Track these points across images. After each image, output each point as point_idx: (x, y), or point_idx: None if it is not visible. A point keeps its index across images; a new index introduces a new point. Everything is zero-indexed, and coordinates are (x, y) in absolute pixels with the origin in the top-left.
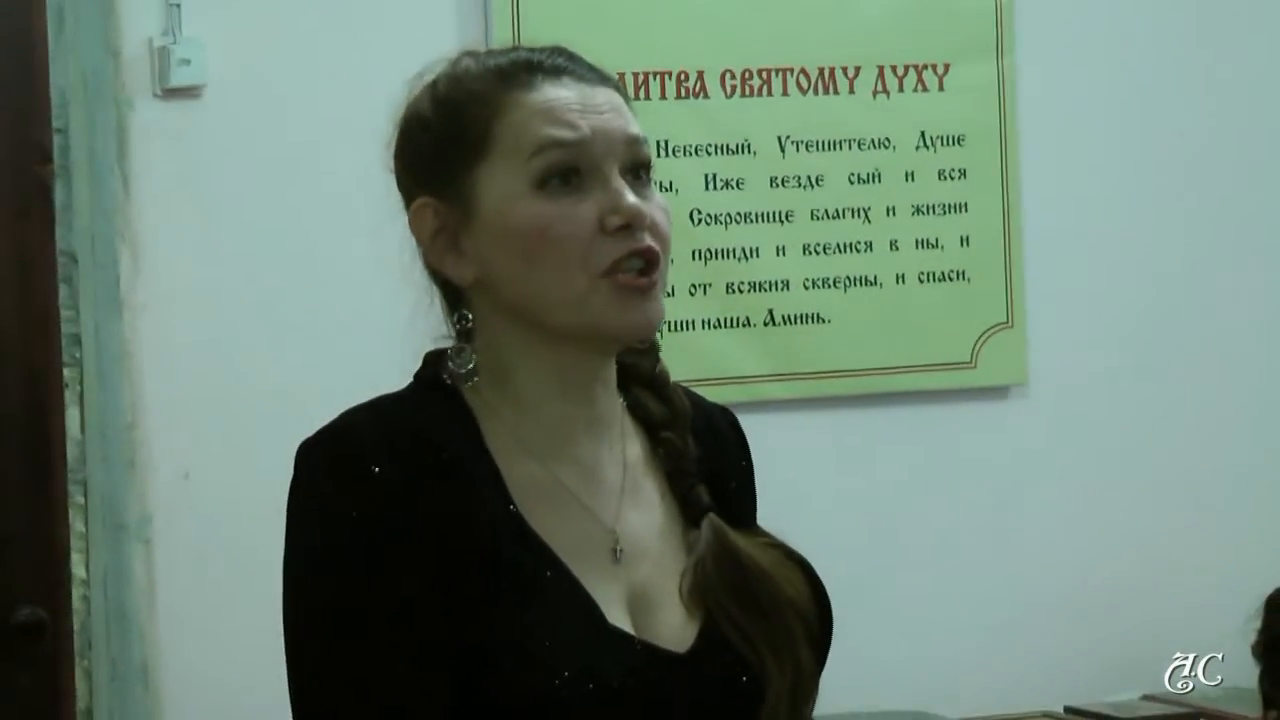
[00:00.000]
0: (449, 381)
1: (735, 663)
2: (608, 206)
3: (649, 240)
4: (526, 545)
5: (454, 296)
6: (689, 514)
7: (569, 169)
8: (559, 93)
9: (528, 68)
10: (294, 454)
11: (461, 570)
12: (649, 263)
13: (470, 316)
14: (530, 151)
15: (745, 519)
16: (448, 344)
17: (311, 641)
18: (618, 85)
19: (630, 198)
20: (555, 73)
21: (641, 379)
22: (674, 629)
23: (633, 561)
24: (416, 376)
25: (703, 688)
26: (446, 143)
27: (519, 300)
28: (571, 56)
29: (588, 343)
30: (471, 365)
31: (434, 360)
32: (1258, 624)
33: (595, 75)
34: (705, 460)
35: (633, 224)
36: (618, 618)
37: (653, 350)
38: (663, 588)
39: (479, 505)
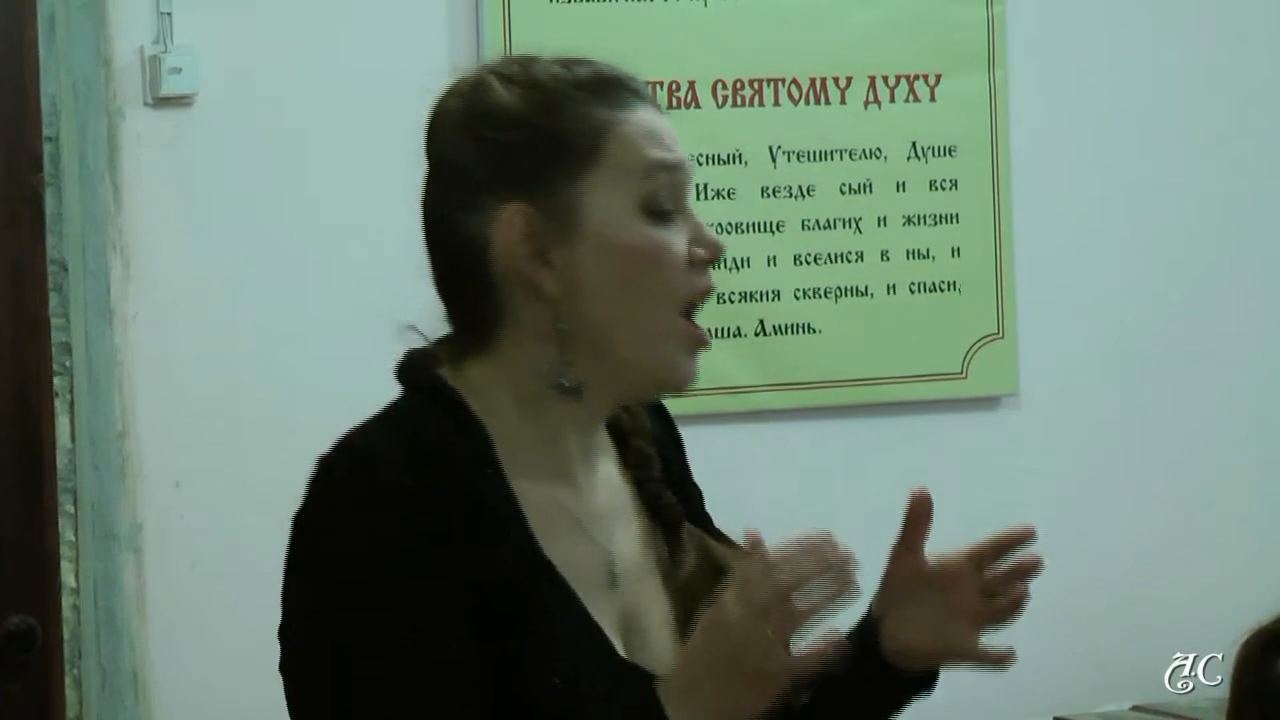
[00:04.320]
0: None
1: None
2: (695, 238)
3: (714, 282)
4: (539, 572)
5: (485, 301)
6: (660, 519)
7: (669, 197)
8: (651, 116)
9: (618, 84)
10: (301, 465)
11: (479, 593)
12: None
13: (568, 326)
14: (642, 173)
15: (686, 499)
16: (421, 342)
17: (344, 655)
18: None
19: (711, 232)
20: (639, 95)
21: None
22: (662, 650)
23: (624, 584)
24: (408, 380)
25: None
26: (547, 146)
27: (598, 322)
28: (643, 83)
29: (637, 379)
30: (582, 378)
31: (423, 367)
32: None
33: (659, 102)
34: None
35: (715, 258)
36: (618, 645)
37: None
38: (649, 609)
39: (495, 532)
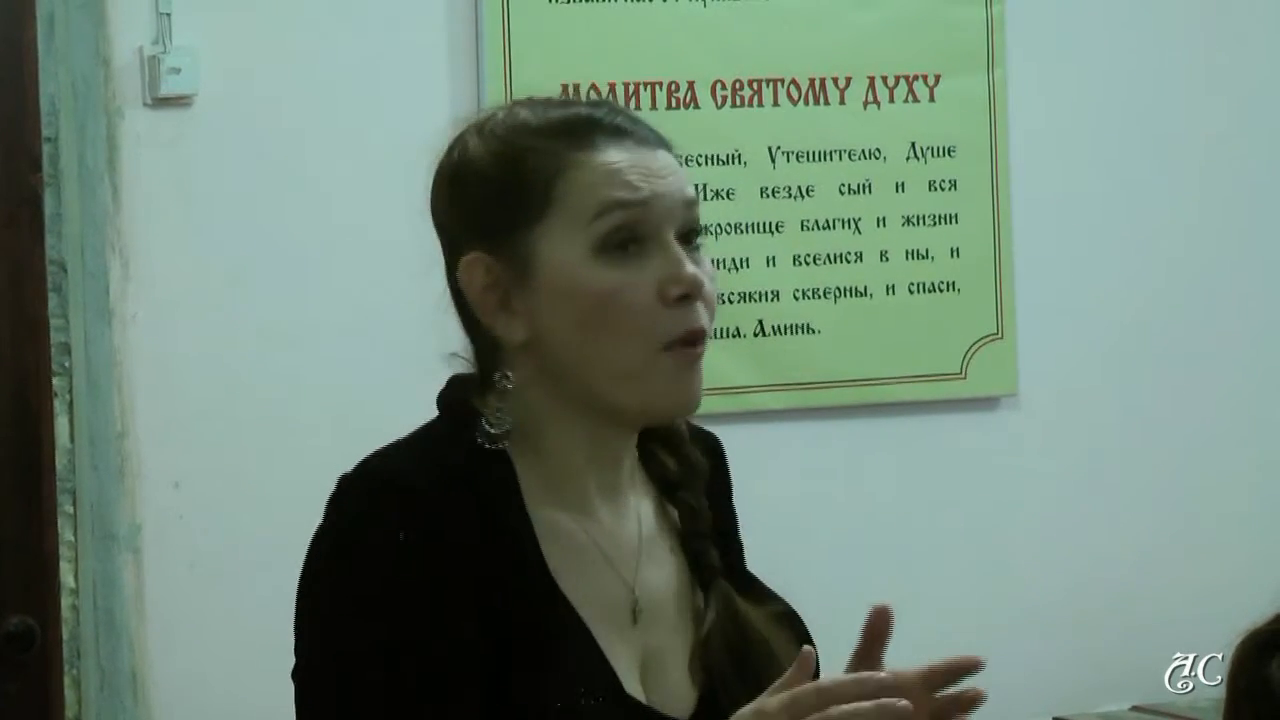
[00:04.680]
0: (486, 441)
1: None
2: (667, 276)
3: (704, 319)
4: (554, 606)
5: (489, 348)
6: (699, 575)
7: (628, 235)
8: (621, 155)
9: (588, 125)
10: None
11: (491, 623)
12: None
13: (510, 377)
14: (593, 214)
15: (725, 552)
16: (466, 367)
17: (353, 677)
18: (671, 146)
19: (690, 267)
20: (616, 133)
21: (657, 435)
22: (679, 693)
23: (648, 622)
24: (445, 406)
25: None
26: (504, 197)
27: (570, 366)
28: (629, 116)
29: (630, 420)
30: (508, 427)
31: (459, 393)
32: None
33: (653, 136)
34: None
35: (692, 294)
36: (631, 682)
37: None
38: (672, 650)
39: (512, 559)
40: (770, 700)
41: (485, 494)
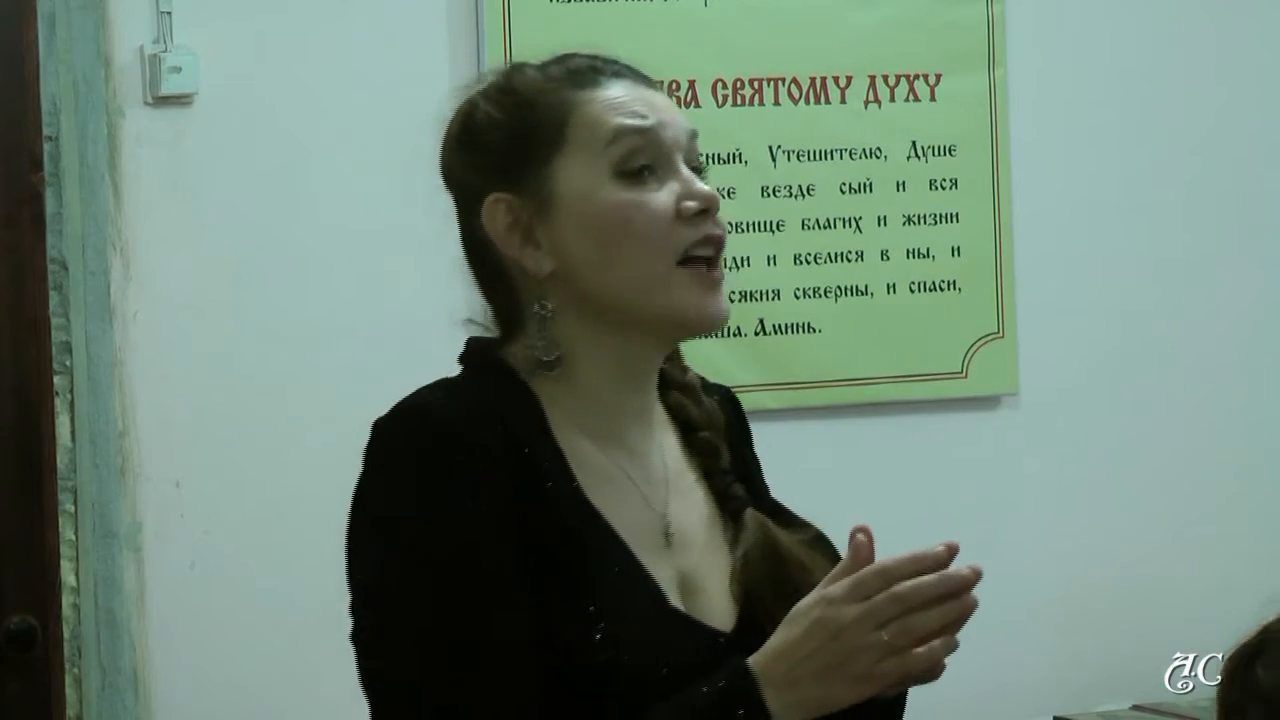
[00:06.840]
0: (509, 364)
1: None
2: (683, 193)
3: (722, 231)
4: (592, 523)
5: (512, 291)
6: (726, 507)
7: (643, 159)
8: (624, 90)
9: (591, 69)
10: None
11: (535, 542)
12: (716, 252)
13: (548, 306)
14: (606, 140)
15: (754, 497)
16: (483, 332)
17: (409, 607)
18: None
19: (703, 184)
20: (617, 73)
21: (675, 384)
22: (717, 614)
23: (680, 547)
24: (465, 362)
25: None
26: (520, 139)
27: (597, 288)
28: (624, 62)
29: (660, 331)
30: (557, 355)
31: (481, 347)
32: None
33: (650, 81)
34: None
35: (709, 209)
36: (672, 598)
37: (677, 358)
38: (707, 574)
39: (547, 482)
40: (833, 588)
41: (514, 427)
